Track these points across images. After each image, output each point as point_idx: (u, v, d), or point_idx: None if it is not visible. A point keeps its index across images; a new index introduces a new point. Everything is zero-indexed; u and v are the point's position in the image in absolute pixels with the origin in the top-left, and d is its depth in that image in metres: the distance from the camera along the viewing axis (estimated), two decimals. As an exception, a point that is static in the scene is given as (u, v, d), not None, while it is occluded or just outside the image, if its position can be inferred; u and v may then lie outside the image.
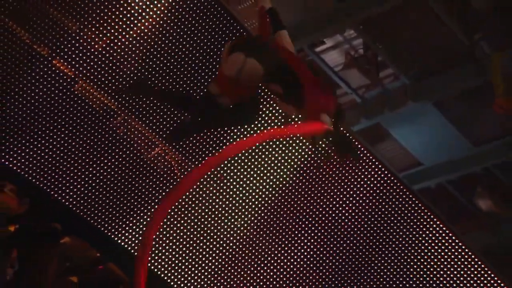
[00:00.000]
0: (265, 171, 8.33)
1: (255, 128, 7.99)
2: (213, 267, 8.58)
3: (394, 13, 9.81)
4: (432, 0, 9.62)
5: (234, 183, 8.33)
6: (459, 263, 9.10)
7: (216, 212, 8.41)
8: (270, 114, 8.09)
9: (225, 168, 8.24)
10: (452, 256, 9.07)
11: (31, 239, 8.03)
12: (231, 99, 5.20)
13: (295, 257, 8.80)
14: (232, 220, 8.48)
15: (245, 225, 8.53)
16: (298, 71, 5.13)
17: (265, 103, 8.00)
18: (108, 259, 8.45)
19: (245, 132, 8.05)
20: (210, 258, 8.55)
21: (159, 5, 7.47)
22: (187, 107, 5.64)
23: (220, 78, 5.22)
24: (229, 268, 8.62)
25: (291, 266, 8.83)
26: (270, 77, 5.13)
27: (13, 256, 7.88)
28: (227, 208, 8.42)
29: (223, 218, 8.44)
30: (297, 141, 8.30)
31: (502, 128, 10.46)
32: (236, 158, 8.22)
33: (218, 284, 8.66)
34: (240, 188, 8.36)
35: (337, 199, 8.66)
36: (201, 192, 8.28)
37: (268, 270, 8.79)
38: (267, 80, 5.17)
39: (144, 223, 8.26)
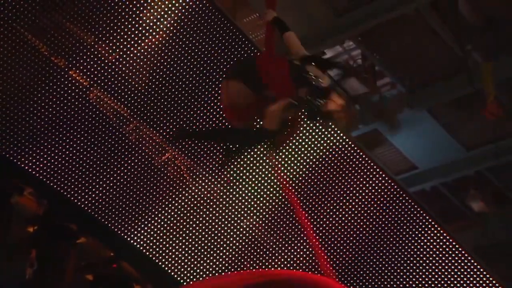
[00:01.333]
0: (271, 176, 8.43)
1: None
2: (220, 265, 8.66)
3: (391, 26, 9.82)
4: (427, 13, 9.73)
5: (241, 186, 8.45)
6: (453, 261, 9.23)
7: (224, 214, 8.52)
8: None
9: (233, 173, 8.37)
10: (447, 255, 9.19)
11: (49, 239, 8.19)
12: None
13: (298, 256, 8.92)
14: (239, 221, 8.58)
15: (251, 226, 8.62)
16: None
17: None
18: (122, 258, 8.60)
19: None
20: (217, 256, 8.65)
21: (169, 19, 7.55)
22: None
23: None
24: (235, 266, 8.73)
25: (297, 262, 8.94)
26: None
27: (32, 256, 8.03)
28: (233, 210, 8.53)
29: (230, 219, 8.55)
30: (300, 147, 8.44)
31: (492, 133, 10.47)
32: (243, 163, 8.35)
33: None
34: (247, 191, 8.47)
35: (338, 201, 8.76)
36: (209, 195, 8.41)
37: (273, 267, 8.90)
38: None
39: (155, 224, 8.37)
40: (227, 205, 8.51)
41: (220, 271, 8.67)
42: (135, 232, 8.34)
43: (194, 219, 8.47)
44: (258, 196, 8.54)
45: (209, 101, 7.99)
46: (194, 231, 8.50)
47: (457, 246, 9.20)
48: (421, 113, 10.79)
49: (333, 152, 8.57)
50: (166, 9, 7.53)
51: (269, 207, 8.62)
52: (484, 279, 9.38)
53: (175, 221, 8.40)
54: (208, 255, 8.64)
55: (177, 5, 7.52)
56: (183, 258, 8.56)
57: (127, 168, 8.12)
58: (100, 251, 8.61)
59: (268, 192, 8.54)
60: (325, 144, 8.49)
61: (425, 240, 9.14)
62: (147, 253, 8.41)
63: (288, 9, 9.51)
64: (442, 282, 9.36)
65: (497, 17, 9.97)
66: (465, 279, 9.37)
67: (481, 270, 9.34)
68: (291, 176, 8.49)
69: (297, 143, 8.38)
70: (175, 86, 7.89)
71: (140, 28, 7.56)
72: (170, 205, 8.36)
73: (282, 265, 8.94)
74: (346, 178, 8.68)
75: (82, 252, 8.53)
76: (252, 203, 8.56)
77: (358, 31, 9.93)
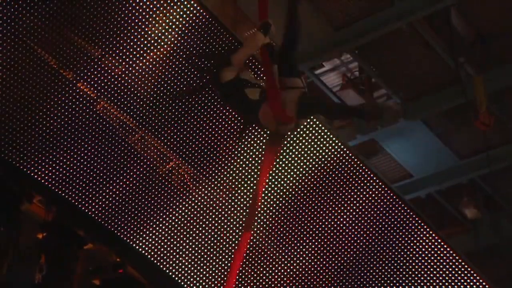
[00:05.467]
0: (273, 183, 8.45)
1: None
2: (223, 270, 8.65)
3: (386, 39, 9.83)
4: (421, 27, 9.76)
5: (242, 193, 8.45)
6: (447, 266, 9.24)
7: (226, 220, 8.51)
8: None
9: (236, 182, 8.36)
10: (441, 260, 9.20)
11: (58, 245, 8.18)
12: None
13: (298, 260, 8.92)
14: (241, 228, 8.49)
15: (254, 232, 8.58)
16: None
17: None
18: (128, 264, 8.59)
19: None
20: (220, 262, 8.64)
21: (173, 33, 7.54)
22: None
23: None
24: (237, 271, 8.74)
25: (296, 268, 8.95)
26: None
27: (41, 262, 8.05)
28: (235, 217, 8.51)
29: (232, 225, 8.54)
30: (297, 155, 8.44)
31: (484, 142, 10.48)
32: (245, 173, 8.34)
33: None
34: (248, 199, 8.42)
35: (336, 208, 8.76)
36: (212, 202, 8.41)
37: (273, 274, 8.91)
38: None
39: (160, 230, 8.36)
40: (229, 212, 8.50)
41: (223, 276, 8.66)
42: (141, 238, 8.34)
43: (198, 226, 8.47)
44: (260, 203, 8.38)
45: (212, 112, 7.99)
46: (197, 237, 8.50)
47: (450, 251, 9.21)
48: (416, 123, 10.79)
49: (331, 161, 8.57)
50: (170, 23, 7.53)
51: (271, 214, 8.59)
52: (477, 283, 9.39)
53: (179, 228, 8.41)
54: (212, 261, 8.63)
55: (180, 19, 7.53)
56: (187, 263, 8.55)
57: (132, 176, 8.13)
58: (107, 257, 8.62)
59: (270, 199, 8.51)
60: (322, 153, 8.49)
61: (420, 246, 9.15)
62: (153, 259, 8.41)
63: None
64: (437, 286, 9.34)
65: (488, 31, 9.97)
66: (458, 284, 9.38)
67: (473, 273, 9.35)
68: (289, 183, 8.48)
69: (295, 151, 8.38)
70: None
71: (146, 42, 7.57)
72: (174, 212, 8.39)
73: (283, 271, 8.92)
74: (343, 186, 8.68)
75: (89, 258, 8.57)
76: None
77: (355, 44, 9.94)
